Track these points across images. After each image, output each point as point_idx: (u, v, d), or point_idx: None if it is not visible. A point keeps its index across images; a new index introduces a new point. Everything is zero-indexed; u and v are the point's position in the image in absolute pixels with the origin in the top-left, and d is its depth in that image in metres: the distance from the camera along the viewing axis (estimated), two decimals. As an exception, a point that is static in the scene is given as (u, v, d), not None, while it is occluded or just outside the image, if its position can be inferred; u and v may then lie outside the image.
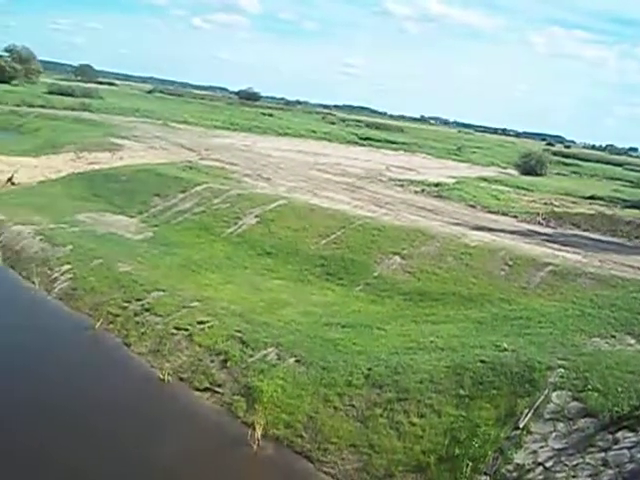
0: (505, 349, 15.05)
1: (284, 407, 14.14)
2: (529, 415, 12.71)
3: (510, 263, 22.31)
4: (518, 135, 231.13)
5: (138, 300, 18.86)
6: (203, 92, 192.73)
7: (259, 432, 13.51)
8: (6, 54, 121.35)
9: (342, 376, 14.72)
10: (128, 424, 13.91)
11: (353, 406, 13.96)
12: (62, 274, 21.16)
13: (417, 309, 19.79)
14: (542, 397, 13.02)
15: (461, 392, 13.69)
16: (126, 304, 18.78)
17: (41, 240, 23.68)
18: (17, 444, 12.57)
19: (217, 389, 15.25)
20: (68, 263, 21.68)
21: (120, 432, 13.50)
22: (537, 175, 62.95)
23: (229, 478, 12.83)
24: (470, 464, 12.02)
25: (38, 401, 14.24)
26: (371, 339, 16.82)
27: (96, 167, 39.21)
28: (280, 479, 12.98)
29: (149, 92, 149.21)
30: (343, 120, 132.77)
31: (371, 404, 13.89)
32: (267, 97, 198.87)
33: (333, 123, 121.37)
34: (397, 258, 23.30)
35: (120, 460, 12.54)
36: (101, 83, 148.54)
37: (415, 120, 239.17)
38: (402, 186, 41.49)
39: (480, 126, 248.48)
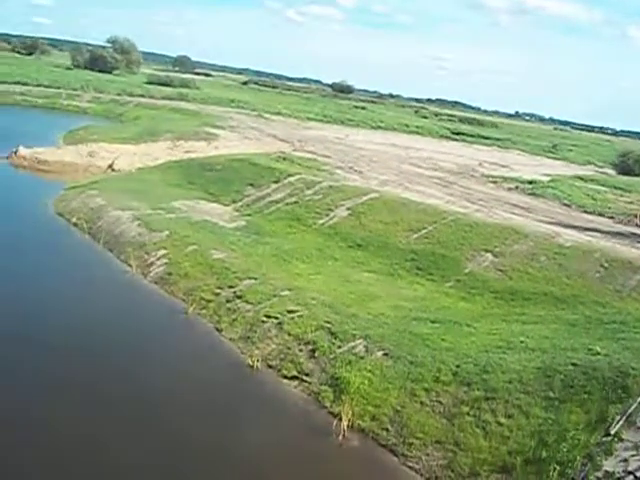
0: (598, 353, 14.66)
1: (370, 399, 14.17)
2: (621, 422, 12.34)
3: (605, 265, 21.69)
4: (616, 133, 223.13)
5: (230, 287, 19.23)
6: (297, 84, 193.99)
7: (345, 423, 13.58)
8: (109, 45, 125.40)
9: (430, 372, 14.64)
10: (218, 408, 14.24)
11: (440, 402, 13.87)
12: (158, 259, 21.78)
13: (508, 308, 19.48)
14: (635, 404, 12.62)
15: (550, 394, 13.41)
16: (218, 290, 19.18)
17: (139, 225, 24.43)
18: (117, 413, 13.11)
19: (305, 378, 15.41)
20: (164, 248, 22.30)
21: (209, 415, 13.82)
22: (635, 175, 60.58)
23: (314, 466, 12.93)
24: (557, 468, 11.76)
25: (136, 380, 14.73)
26: (460, 336, 16.65)
27: (192, 156, 40.16)
28: (364, 471, 12.97)
29: (244, 83, 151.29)
30: (436, 114, 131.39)
31: (458, 401, 13.77)
32: (360, 90, 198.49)
33: (426, 117, 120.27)
34: (489, 255, 22.98)
35: (209, 442, 12.82)
36: (198, 74, 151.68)
37: (509, 116, 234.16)
38: (495, 182, 40.80)
39: (577, 124, 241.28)
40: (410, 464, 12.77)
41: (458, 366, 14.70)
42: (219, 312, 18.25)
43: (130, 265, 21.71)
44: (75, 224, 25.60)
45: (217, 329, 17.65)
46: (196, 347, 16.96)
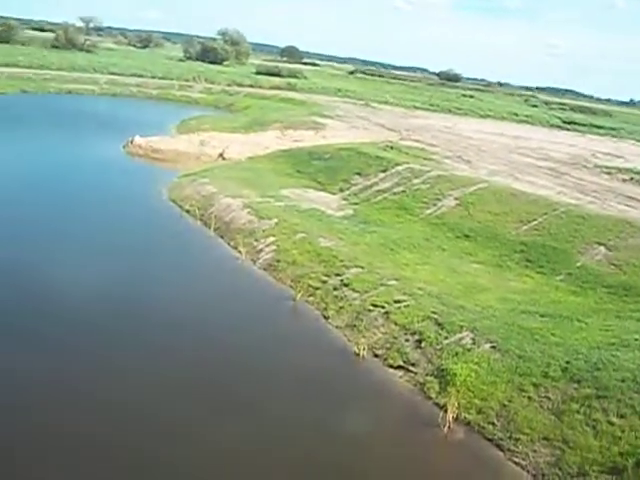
0: None
1: (477, 392, 14.02)
2: None
3: None
4: None
5: (337, 275, 19.43)
6: (404, 73, 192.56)
7: (451, 415, 13.49)
8: (219, 37, 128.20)
9: (538, 366, 14.35)
10: (324, 394, 14.41)
11: (548, 398, 13.57)
12: (267, 246, 22.23)
13: (621, 304, 18.82)
14: None
15: (668, 396, 12.91)
16: (326, 278, 19.40)
17: (248, 213, 24.98)
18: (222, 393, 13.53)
19: (410, 368, 15.40)
20: (273, 236, 22.73)
21: (316, 401, 14.02)
22: None
23: (418, 457, 12.92)
24: (674, 473, 11.34)
25: (245, 363, 15.13)
26: (570, 331, 16.23)
27: (300, 145, 40.63)
28: (469, 463, 12.85)
29: (351, 73, 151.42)
30: (546, 103, 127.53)
31: (567, 398, 13.42)
32: (468, 78, 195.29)
33: (535, 106, 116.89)
34: (602, 249, 22.25)
35: (314, 428, 13.01)
36: (305, 64, 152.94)
37: (623, 104, 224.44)
38: (609, 174, 39.30)
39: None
40: (516, 460, 12.57)
41: (568, 362, 14.33)
42: (326, 299, 18.46)
43: (240, 251, 22.26)
44: (187, 211, 26.46)
45: (324, 316, 17.86)
46: (303, 333, 17.24)
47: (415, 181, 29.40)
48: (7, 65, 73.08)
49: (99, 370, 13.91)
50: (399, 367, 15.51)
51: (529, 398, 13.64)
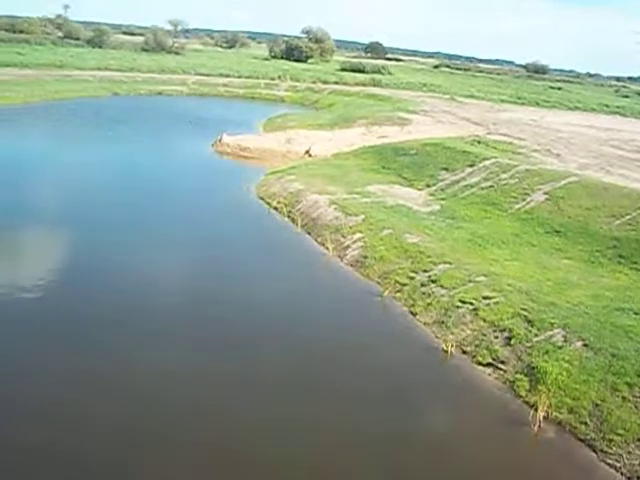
0: None
1: (568, 391, 13.75)
2: None
3: None
4: None
5: (425, 271, 19.37)
6: (489, 66, 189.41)
7: (541, 414, 13.28)
8: (303, 35, 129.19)
9: (633, 365, 13.95)
10: (412, 390, 14.44)
11: (644, 398, 13.21)
12: (353, 242, 22.35)
13: None
14: None
15: None
16: (413, 274, 19.37)
17: (335, 209, 25.15)
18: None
19: (499, 365, 15.23)
20: (359, 232, 22.83)
21: (403, 398, 14.04)
22: None
23: (508, 455, 12.78)
24: None
25: (332, 358, 15.28)
26: (668, 330, 15.73)
27: (386, 141, 40.55)
28: (560, 462, 12.61)
29: (435, 67, 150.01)
30: (638, 93, 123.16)
31: (664, 399, 13.05)
32: (555, 70, 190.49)
33: (627, 96, 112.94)
34: (701, 245, 21.42)
35: (401, 426, 13.02)
36: (389, 59, 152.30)
37: None
38: None
39: None
40: (610, 461, 12.27)
41: (666, 361, 13.92)
42: (413, 296, 18.44)
43: (327, 247, 22.46)
44: (275, 208, 26.88)
45: (411, 312, 17.85)
46: (391, 329, 17.27)
47: (503, 176, 28.95)
48: (99, 69, 75.69)
49: (193, 367, 14.29)
50: (488, 364, 15.35)
51: (623, 398, 13.28)
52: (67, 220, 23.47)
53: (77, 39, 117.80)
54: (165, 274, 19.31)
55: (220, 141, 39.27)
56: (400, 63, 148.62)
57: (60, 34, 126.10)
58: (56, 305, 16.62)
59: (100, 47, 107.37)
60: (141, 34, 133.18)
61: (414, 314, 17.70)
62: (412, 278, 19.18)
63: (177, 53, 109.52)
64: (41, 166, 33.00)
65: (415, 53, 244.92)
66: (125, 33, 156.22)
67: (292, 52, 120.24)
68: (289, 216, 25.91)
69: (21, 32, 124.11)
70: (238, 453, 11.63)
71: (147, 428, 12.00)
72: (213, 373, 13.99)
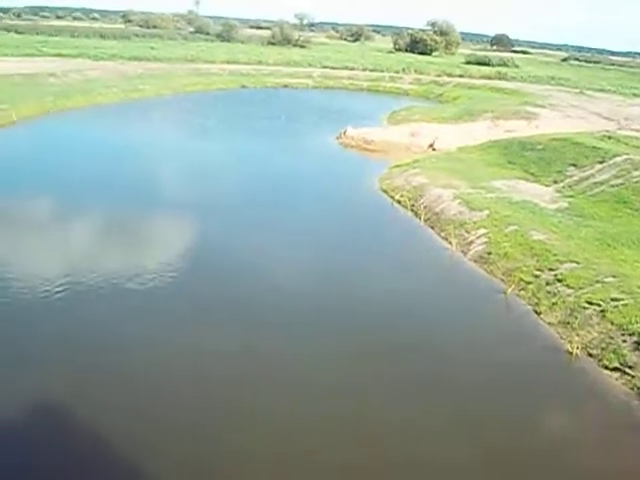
0: None
1: (703, 400, 13.19)
2: None
3: None
4: None
5: (550, 270, 18.91)
6: (621, 59, 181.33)
7: (672, 422, 12.82)
8: (428, 28, 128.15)
9: None
10: (535, 391, 14.11)
11: None
12: (477, 238, 22.11)
13: None
14: None
15: None
16: (538, 272, 18.97)
17: (459, 204, 24.94)
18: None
19: (628, 371, 14.68)
20: (483, 227, 22.56)
21: (525, 398, 13.78)
22: None
23: (635, 464, 12.39)
24: None
25: (449, 353, 15.23)
26: None
27: (512, 135, 39.80)
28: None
29: (564, 60, 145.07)
30: None
31: None
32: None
33: None
34: None
35: (521, 427, 12.82)
36: (515, 52, 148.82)
37: None
38: None
39: None
40: None
41: None
42: (538, 294, 18.06)
43: (450, 242, 22.33)
44: (398, 201, 26.94)
45: (535, 311, 17.49)
46: (514, 327, 17.01)
47: (635, 173, 27.76)
48: (229, 62, 77.91)
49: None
50: (615, 369, 14.84)
51: None
52: (199, 210, 24.57)
53: (207, 34, 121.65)
54: (292, 259, 20.13)
55: (344, 134, 39.68)
56: (527, 56, 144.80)
57: (191, 29, 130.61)
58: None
59: (229, 41, 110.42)
60: (268, 28, 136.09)
61: (538, 313, 17.34)
62: (537, 276, 18.78)
63: (303, 46, 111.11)
64: (183, 153, 34.71)
65: (543, 46, 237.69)
66: (253, 27, 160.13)
67: (416, 45, 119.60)
68: (412, 210, 25.90)
69: (154, 27, 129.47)
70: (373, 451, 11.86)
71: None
72: (341, 365, 14.28)
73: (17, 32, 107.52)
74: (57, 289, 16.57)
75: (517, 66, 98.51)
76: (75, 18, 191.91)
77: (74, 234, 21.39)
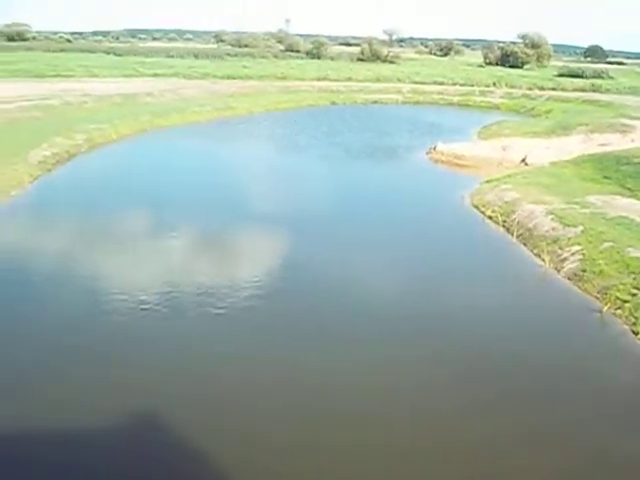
0: None
1: None
2: None
3: None
4: None
5: (649, 287, 18.43)
6: None
7: None
8: (519, 41, 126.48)
9: None
10: (633, 419, 13.79)
11: None
12: (572, 254, 21.69)
13: None
14: None
15: None
16: (636, 291, 18.38)
17: (552, 219, 24.53)
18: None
19: None
20: (578, 244, 22.11)
21: (622, 425, 13.43)
22: None
23: None
24: None
25: (550, 375, 14.98)
26: None
27: (607, 149, 38.90)
28: None
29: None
30: None
31: None
32: None
33: None
34: None
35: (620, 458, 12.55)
36: (610, 63, 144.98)
37: None
38: None
39: None
40: None
41: None
42: (636, 314, 17.53)
43: (543, 259, 22.01)
44: (490, 217, 26.72)
45: (633, 331, 17.00)
46: (610, 349, 16.55)
47: None
48: (319, 79, 79.15)
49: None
50: None
51: None
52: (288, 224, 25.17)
53: (297, 51, 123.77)
54: (382, 271, 20.54)
55: (434, 149, 39.68)
56: (622, 67, 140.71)
57: (281, 47, 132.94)
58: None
59: (319, 58, 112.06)
60: (357, 44, 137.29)
61: (636, 333, 16.86)
62: (634, 295, 18.27)
63: (392, 62, 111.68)
64: (276, 168, 35.51)
65: (639, 56, 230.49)
66: (342, 44, 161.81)
67: (507, 58, 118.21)
68: (504, 226, 25.65)
69: (246, 47, 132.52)
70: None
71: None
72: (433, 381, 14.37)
73: (116, 54, 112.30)
74: (156, 300, 17.31)
75: (612, 77, 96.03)
76: (170, 39, 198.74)
77: (175, 247, 22.23)
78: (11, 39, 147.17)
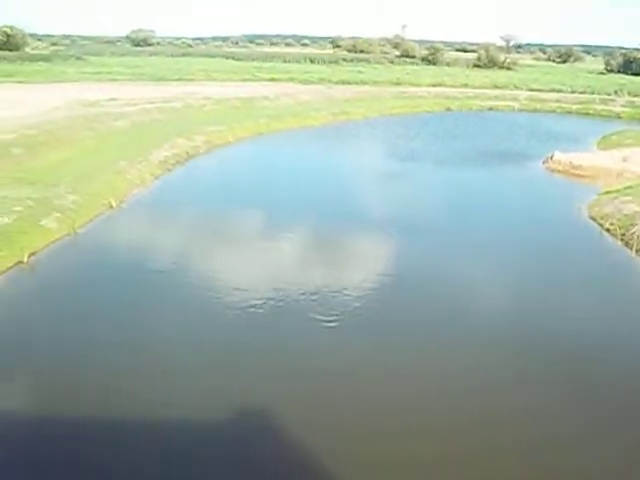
0: None
1: None
2: None
3: None
4: None
5: None
6: None
7: None
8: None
9: None
10: None
11: None
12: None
13: None
14: None
15: None
16: None
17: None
18: None
19: None
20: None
21: None
22: None
23: None
24: None
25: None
26: None
27: None
28: None
29: None
30: None
31: None
32: None
33: None
34: None
35: None
36: None
37: None
38: None
39: None
40: None
41: None
42: None
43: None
44: (607, 229, 26.11)
45: None
46: None
47: None
48: (434, 85, 79.13)
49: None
50: None
51: None
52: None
53: (412, 57, 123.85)
54: (496, 283, 20.56)
55: (551, 158, 38.99)
56: None
57: (397, 53, 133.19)
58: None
59: (434, 64, 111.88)
60: (473, 50, 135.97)
61: None
62: None
63: (509, 68, 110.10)
64: (391, 174, 35.96)
65: None
66: (458, 50, 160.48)
67: (630, 65, 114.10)
68: (622, 239, 24.98)
69: (362, 52, 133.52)
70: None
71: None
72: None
73: (235, 59, 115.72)
74: (274, 296, 18.07)
75: None
76: (287, 44, 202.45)
77: (302, 246, 23.39)
78: (137, 44, 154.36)
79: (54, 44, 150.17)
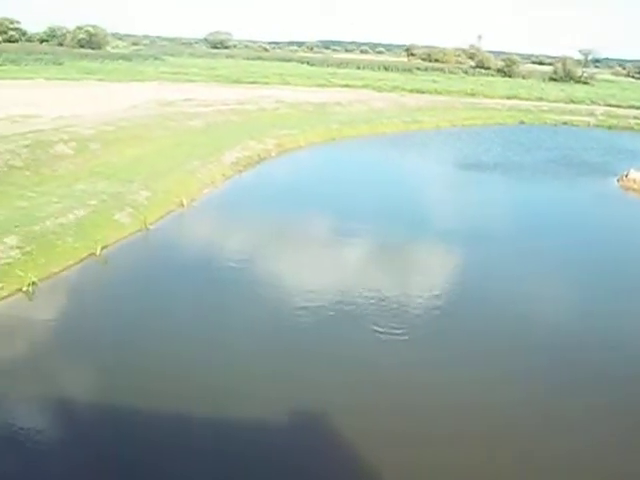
0: None
1: None
2: None
3: None
4: None
5: None
6: None
7: None
8: None
9: None
10: None
11: None
12: None
13: None
14: None
15: None
16: None
17: None
18: None
19: None
20: None
21: None
22: None
23: None
24: None
25: None
26: None
27: None
28: None
29: None
30: None
31: None
32: None
33: None
34: None
35: None
36: None
37: None
38: None
39: None
40: None
41: None
42: None
43: None
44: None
45: None
46: None
47: None
48: (508, 97, 78.19)
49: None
50: None
51: None
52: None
53: (487, 68, 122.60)
54: (567, 299, 20.25)
55: (626, 176, 38.03)
56: None
57: (472, 63, 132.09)
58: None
59: (510, 76, 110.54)
60: (550, 63, 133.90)
61: None
62: None
63: (586, 83, 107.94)
64: (461, 185, 35.69)
65: None
66: (534, 62, 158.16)
67: None
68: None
69: (436, 61, 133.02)
70: None
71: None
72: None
73: (309, 64, 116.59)
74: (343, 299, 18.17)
75: None
76: (362, 51, 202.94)
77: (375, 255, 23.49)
78: (214, 47, 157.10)
79: (134, 44, 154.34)
